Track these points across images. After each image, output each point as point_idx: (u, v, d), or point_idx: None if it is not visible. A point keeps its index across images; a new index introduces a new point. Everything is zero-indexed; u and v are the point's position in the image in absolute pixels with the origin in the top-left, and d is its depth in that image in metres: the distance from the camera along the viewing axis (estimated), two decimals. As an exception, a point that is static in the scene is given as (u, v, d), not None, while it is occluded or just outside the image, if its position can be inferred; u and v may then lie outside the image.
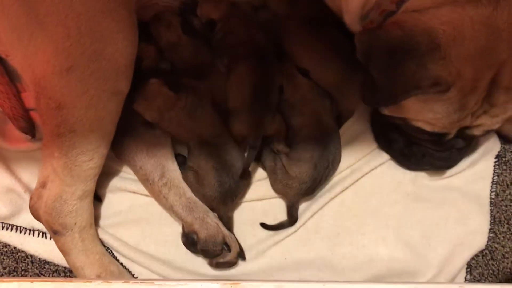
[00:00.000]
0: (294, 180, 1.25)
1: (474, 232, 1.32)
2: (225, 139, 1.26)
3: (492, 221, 1.34)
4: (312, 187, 1.27)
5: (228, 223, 1.28)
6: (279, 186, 1.29)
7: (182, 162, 1.31)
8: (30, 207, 1.23)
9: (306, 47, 1.33)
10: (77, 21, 1.08)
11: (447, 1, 0.98)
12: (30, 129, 1.36)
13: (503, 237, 1.34)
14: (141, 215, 1.33)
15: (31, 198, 1.23)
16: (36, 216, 1.23)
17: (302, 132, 1.28)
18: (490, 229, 1.33)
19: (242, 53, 1.31)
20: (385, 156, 1.36)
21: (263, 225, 1.31)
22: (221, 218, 1.27)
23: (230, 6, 1.34)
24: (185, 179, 1.28)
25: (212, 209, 1.28)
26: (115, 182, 1.35)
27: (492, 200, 1.35)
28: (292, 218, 1.30)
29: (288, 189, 1.27)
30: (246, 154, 1.28)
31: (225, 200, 1.25)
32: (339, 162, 1.32)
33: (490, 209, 1.34)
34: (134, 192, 1.34)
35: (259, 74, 1.29)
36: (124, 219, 1.33)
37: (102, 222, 1.32)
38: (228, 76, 1.31)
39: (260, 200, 1.34)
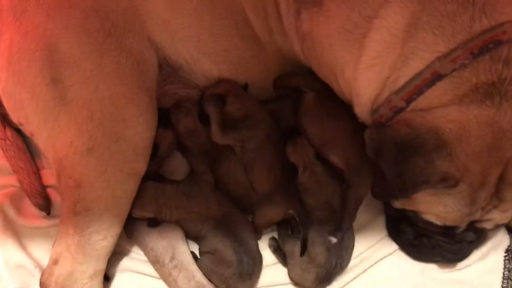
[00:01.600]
0: (312, 264, 1.25)
1: (487, 328, 1.30)
2: (236, 217, 1.29)
3: (505, 317, 1.31)
4: (329, 272, 1.26)
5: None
6: (298, 270, 1.27)
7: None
8: (40, 283, 1.23)
9: (322, 125, 1.37)
10: (101, 105, 1.15)
11: (452, 101, 1.04)
12: (46, 206, 1.39)
13: (516, 334, 1.31)
14: (149, 297, 1.32)
15: (42, 275, 1.23)
16: (46, 293, 1.23)
17: (314, 213, 1.30)
18: (503, 326, 1.31)
19: (261, 132, 1.36)
20: (394, 246, 1.36)
21: None
22: None
23: (231, 83, 1.39)
24: (201, 265, 1.28)
25: None
26: (124, 262, 1.35)
27: (504, 296, 1.33)
28: None
29: (306, 274, 1.26)
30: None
31: (243, 277, 1.25)
32: (353, 248, 1.33)
33: (502, 305, 1.32)
34: (142, 274, 1.33)
35: (282, 153, 1.35)
36: (132, 300, 1.32)
37: (109, 302, 1.31)
38: (249, 161, 1.35)
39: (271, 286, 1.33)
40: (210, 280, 1.27)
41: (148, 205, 1.28)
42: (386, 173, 1.07)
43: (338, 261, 1.27)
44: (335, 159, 1.32)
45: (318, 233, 1.27)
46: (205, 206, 1.30)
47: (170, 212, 1.29)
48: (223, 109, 1.38)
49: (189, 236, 1.33)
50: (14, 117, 1.26)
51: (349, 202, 1.32)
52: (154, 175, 1.34)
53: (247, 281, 1.27)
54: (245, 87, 1.41)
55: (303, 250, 1.25)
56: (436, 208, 1.11)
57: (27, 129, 1.26)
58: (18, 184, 1.42)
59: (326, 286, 1.30)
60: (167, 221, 1.30)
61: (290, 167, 1.36)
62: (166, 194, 1.30)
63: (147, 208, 1.28)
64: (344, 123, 1.32)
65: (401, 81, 1.09)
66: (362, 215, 1.40)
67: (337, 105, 1.31)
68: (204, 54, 1.32)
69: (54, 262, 1.22)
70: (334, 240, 1.27)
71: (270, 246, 1.35)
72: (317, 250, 1.25)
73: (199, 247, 1.31)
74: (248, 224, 1.31)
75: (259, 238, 1.34)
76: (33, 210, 1.40)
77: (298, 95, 1.40)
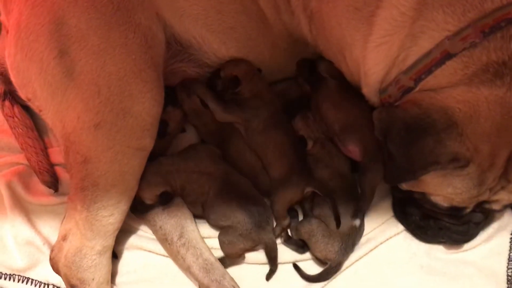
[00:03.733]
0: (335, 235, 1.26)
1: (491, 309, 1.30)
2: (235, 176, 1.33)
3: (509, 298, 1.32)
4: (352, 239, 1.29)
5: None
6: (321, 246, 1.28)
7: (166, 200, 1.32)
8: (50, 259, 1.25)
9: (343, 111, 1.36)
10: (108, 80, 1.15)
11: (462, 81, 1.03)
12: (54, 183, 1.40)
13: (520, 315, 1.31)
14: (156, 274, 1.33)
15: (52, 250, 1.25)
16: (55, 269, 1.24)
17: (328, 185, 1.31)
18: (507, 307, 1.31)
19: (272, 118, 1.36)
20: (400, 227, 1.37)
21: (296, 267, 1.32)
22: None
23: (250, 65, 1.40)
24: (221, 243, 1.29)
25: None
26: (132, 240, 1.36)
27: (509, 278, 1.33)
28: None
29: (330, 247, 1.27)
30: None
31: (262, 226, 1.28)
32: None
33: (508, 287, 1.32)
34: (150, 251, 1.35)
35: (291, 133, 1.36)
36: (139, 277, 1.33)
37: (117, 279, 1.32)
38: (259, 145, 1.35)
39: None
40: (236, 251, 1.29)
41: (154, 179, 1.29)
42: (395, 155, 1.06)
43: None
44: (353, 146, 1.32)
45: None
46: (203, 165, 1.32)
47: (175, 177, 1.30)
48: (236, 91, 1.39)
49: (197, 204, 1.33)
50: (22, 93, 1.26)
51: (365, 189, 1.32)
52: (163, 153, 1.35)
53: (267, 228, 1.29)
54: (259, 71, 1.41)
55: (338, 222, 1.26)
56: (445, 189, 1.10)
57: (35, 105, 1.26)
58: (26, 162, 1.43)
59: (351, 253, 1.32)
60: (176, 187, 1.31)
61: (301, 146, 1.37)
62: (164, 163, 1.31)
63: (154, 182, 1.29)
64: (362, 111, 1.32)
65: (410, 60, 1.08)
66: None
67: (355, 93, 1.30)
68: (212, 32, 1.32)
69: (63, 238, 1.23)
70: (357, 222, 1.30)
71: (280, 237, 1.35)
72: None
73: (211, 222, 1.33)
74: (246, 181, 1.33)
75: (286, 223, 1.33)
76: (41, 187, 1.41)
77: (318, 81, 1.39)
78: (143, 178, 1.27)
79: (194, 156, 1.34)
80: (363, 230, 1.35)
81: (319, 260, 1.33)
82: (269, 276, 1.31)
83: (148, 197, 1.29)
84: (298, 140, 1.37)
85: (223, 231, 1.29)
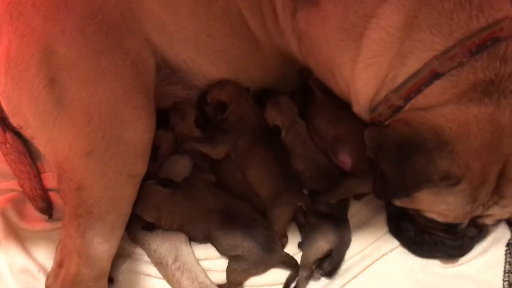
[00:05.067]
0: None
1: (488, 323, 1.30)
2: (236, 205, 1.31)
3: (506, 311, 1.32)
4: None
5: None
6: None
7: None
8: (46, 286, 1.24)
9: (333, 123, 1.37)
10: (99, 108, 1.15)
11: (451, 100, 1.04)
12: (48, 209, 1.40)
13: (518, 328, 1.31)
14: (152, 298, 1.33)
15: (47, 277, 1.25)
16: (51, 297, 1.24)
17: (304, 175, 1.34)
18: (504, 320, 1.31)
19: (255, 138, 1.36)
20: (395, 242, 1.36)
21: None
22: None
23: (235, 86, 1.40)
24: (230, 273, 1.28)
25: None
26: (127, 264, 1.35)
27: (506, 290, 1.34)
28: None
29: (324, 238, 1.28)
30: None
31: (268, 249, 1.26)
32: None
33: (504, 299, 1.33)
34: (146, 275, 1.33)
35: (276, 153, 1.36)
36: (135, 301, 1.33)
37: (113, 304, 1.32)
38: (242, 163, 1.36)
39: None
40: (245, 278, 1.29)
41: (150, 210, 1.29)
42: (387, 173, 1.07)
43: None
44: (344, 157, 1.33)
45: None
46: (205, 203, 1.31)
47: (173, 218, 1.30)
48: (224, 116, 1.39)
49: (200, 237, 1.33)
50: (14, 121, 1.27)
51: (341, 185, 1.33)
52: (154, 176, 1.34)
53: (277, 248, 1.28)
54: (247, 91, 1.42)
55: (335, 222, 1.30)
56: (438, 206, 1.11)
57: (27, 132, 1.26)
58: (19, 188, 1.43)
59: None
60: (166, 228, 1.30)
61: (286, 161, 1.36)
62: (172, 202, 1.30)
63: (148, 213, 1.29)
64: (353, 122, 1.32)
65: (399, 80, 1.09)
66: (363, 211, 1.41)
67: (345, 105, 1.31)
68: (202, 55, 1.32)
69: (59, 264, 1.23)
70: None
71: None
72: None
73: (219, 251, 1.32)
74: (246, 207, 1.32)
75: (285, 242, 1.33)
76: (35, 213, 1.40)
77: (309, 94, 1.41)
78: (144, 199, 1.27)
79: (195, 194, 1.32)
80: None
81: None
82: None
83: (139, 213, 1.29)
84: (281, 156, 1.37)
85: (234, 259, 1.28)
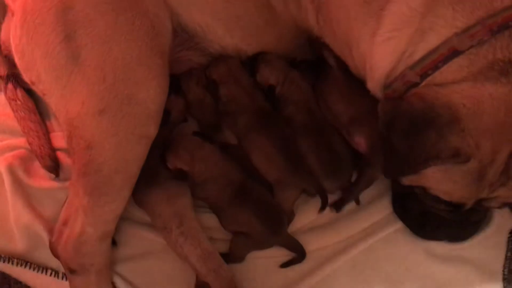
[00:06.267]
0: None
1: (486, 308, 1.31)
2: (250, 183, 1.31)
3: (504, 297, 1.33)
4: None
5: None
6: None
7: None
8: (50, 243, 1.25)
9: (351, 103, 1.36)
10: (114, 66, 1.15)
11: (467, 77, 1.03)
12: (55, 168, 1.40)
13: (515, 314, 1.32)
14: (155, 262, 1.33)
15: (52, 235, 1.25)
16: (55, 253, 1.25)
17: (296, 119, 1.34)
18: (502, 306, 1.32)
19: (250, 122, 1.35)
20: (399, 222, 1.37)
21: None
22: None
23: (230, 65, 1.40)
24: (235, 247, 1.31)
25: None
26: (131, 227, 1.36)
27: (505, 276, 1.34)
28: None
29: None
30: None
31: (275, 231, 1.28)
32: None
33: (504, 286, 1.33)
34: (149, 239, 1.34)
35: (277, 138, 1.33)
36: (138, 265, 1.33)
37: (115, 266, 1.32)
38: (249, 152, 1.35)
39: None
40: (246, 253, 1.30)
41: (183, 155, 1.30)
42: (397, 147, 1.07)
43: None
44: (360, 138, 1.32)
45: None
46: (230, 170, 1.32)
47: (205, 168, 1.30)
48: (219, 95, 1.39)
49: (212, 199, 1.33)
50: (26, 76, 1.26)
51: (361, 181, 1.34)
52: (165, 141, 1.34)
53: (282, 230, 1.29)
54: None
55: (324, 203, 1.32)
56: (445, 184, 1.11)
57: (38, 88, 1.25)
58: (27, 146, 1.43)
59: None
60: (196, 177, 1.30)
61: (291, 145, 1.34)
62: (205, 150, 1.31)
63: (182, 156, 1.30)
64: (369, 103, 1.30)
65: (417, 56, 1.08)
66: (368, 191, 1.40)
67: (361, 85, 1.30)
68: (218, 21, 1.31)
69: (64, 223, 1.23)
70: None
71: None
72: None
73: (223, 224, 1.33)
74: (262, 189, 1.32)
75: (292, 218, 1.35)
76: (42, 172, 1.41)
77: (324, 70, 1.39)
78: (174, 145, 1.29)
79: (225, 157, 1.33)
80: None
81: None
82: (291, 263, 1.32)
83: (171, 162, 1.30)
84: (283, 141, 1.34)
85: (238, 235, 1.29)
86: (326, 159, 1.33)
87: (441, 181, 1.11)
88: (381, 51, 1.14)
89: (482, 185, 1.09)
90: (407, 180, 1.19)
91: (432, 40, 1.06)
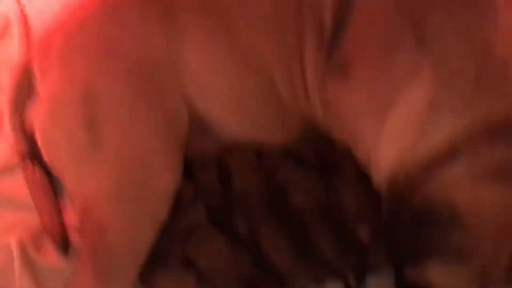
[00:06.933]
0: None
1: None
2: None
3: None
4: None
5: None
6: None
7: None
8: (55, 325, 1.24)
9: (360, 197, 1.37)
10: (132, 155, 1.20)
11: (467, 178, 1.09)
12: (65, 245, 1.41)
13: None
14: None
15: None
16: (60, 334, 1.24)
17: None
18: None
19: (264, 213, 1.35)
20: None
21: None
22: None
23: (246, 154, 1.43)
24: None
25: None
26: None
27: None
28: None
29: None
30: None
31: None
32: None
33: None
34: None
35: (290, 230, 1.32)
36: None
37: None
38: (258, 240, 1.34)
39: None
40: None
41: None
42: (402, 242, 1.11)
43: None
44: (363, 234, 1.33)
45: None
46: (240, 262, 1.30)
47: (211, 263, 1.30)
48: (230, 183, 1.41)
49: None
50: (46, 155, 1.31)
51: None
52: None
53: None
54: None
55: None
56: (448, 281, 1.12)
57: (56, 167, 1.30)
58: (38, 221, 1.44)
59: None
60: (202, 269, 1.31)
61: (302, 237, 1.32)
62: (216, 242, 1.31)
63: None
64: (375, 195, 1.32)
65: (420, 154, 1.14)
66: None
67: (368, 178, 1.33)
68: (231, 114, 1.38)
69: (69, 303, 1.23)
70: None
71: None
72: None
73: None
74: (274, 282, 1.30)
75: None
76: (51, 249, 1.40)
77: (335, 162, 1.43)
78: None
79: (234, 248, 1.34)
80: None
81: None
82: None
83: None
84: (297, 233, 1.32)
85: None
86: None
87: (444, 278, 1.12)
88: (385, 148, 1.20)
89: (487, 283, 1.11)
90: (411, 277, 1.20)
91: (435, 140, 1.13)
